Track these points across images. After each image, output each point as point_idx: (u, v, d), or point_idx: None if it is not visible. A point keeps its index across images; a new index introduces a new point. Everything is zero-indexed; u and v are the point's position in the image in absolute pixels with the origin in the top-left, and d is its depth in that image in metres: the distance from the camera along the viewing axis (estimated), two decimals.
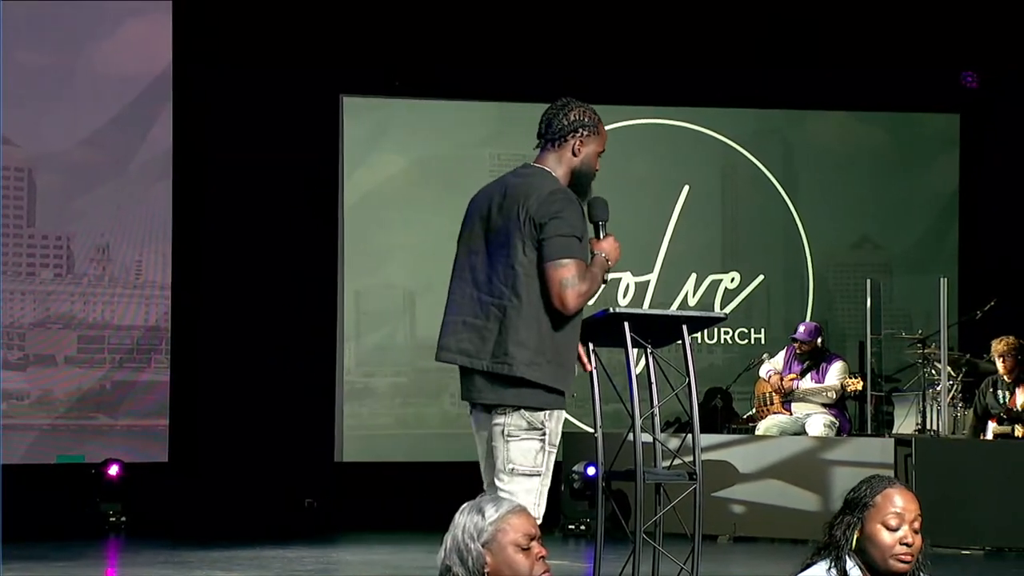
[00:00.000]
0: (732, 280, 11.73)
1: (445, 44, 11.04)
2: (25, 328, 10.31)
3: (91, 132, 10.51)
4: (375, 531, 9.76)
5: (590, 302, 4.47)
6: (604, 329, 5.43)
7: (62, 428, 10.34)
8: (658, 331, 5.51)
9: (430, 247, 11.36)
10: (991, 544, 8.60)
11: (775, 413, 9.85)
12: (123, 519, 9.90)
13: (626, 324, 5.30)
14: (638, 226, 11.65)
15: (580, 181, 4.48)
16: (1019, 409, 9.45)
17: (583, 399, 11.63)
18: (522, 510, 2.93)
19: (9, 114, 9.66)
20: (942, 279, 9.71)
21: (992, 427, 9.53)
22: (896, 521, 3.19)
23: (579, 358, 4.63)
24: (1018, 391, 9.48)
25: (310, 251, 11.04)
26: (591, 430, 5.90)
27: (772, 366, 10.02)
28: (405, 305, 11.45)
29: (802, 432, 9.60)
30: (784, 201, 11.83)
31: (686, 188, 11.68)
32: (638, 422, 5.32)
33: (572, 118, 4.49)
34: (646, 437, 5.41)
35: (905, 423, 10.18)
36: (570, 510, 9.55)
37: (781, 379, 9.84)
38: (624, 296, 11.48)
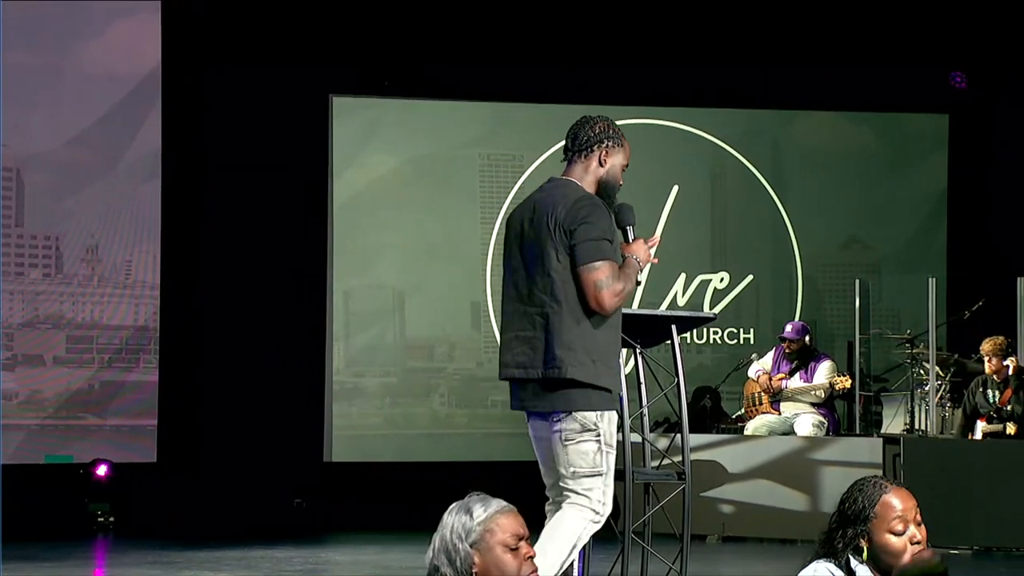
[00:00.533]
0: (721, 280, 11.73)
1: (435, 44, 11.03)
2: (14, 328, 10.28)
3: (80, 132, 10.49)
4: (364, 531, 9.74)
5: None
6: None
7: (51, 428, 10.32)
8: (647, 331, 5.52)
9: (420, 247, 11.37)
10: (980, 544, 8.61)
11: (764, 413, 9.86)
12: (111, 519, 9.88)
13: None
14: None
15: (606, 191, 4.64)
16: (1009, 408, 9.47)
17: None
18: (510, 510, 2.93)
19: None
20: (931, 279, 9.72)
21: (981, 426, 9.55)
22: (902, 526, 3.22)
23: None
24: (1008, 389, 9.51)
25: (299, 251, 11.02)
26: None
27: (761, 366, 10.03)
28: (395, 305, 11.44)
29: (791, 432, 9.61)
30: (773, 201, 11.85)
31: (675, 188, 11.69)
32: (627, 422, 5.32)
33: (597, 131, 4.72)
34: (635, 437, 5.41)
35: (894, 423, 10.20)
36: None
37: (770, 379, 9.85)
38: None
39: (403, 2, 11.04)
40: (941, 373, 9.97)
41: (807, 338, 9.92)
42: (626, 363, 5.54)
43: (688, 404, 5.65)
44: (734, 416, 10.41)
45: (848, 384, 9.66)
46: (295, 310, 10.97)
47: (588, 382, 4.38)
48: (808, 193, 11.91)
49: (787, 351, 9.88)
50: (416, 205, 11.37)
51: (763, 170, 11.89)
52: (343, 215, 11.23)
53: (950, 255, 11.90)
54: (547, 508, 4.65)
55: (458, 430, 11.43)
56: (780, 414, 9.80)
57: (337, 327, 11.18)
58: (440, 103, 11.43)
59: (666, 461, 5.74)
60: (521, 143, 11.56)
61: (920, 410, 9.83)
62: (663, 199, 11.65)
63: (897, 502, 3.22)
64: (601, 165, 4.66)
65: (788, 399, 9.82)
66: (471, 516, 2.90)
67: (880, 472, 8.70)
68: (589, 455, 4.42)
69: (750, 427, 9.81)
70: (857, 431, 9.91)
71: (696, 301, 11.59)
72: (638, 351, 5.55)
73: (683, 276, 11.63)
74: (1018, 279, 9.83)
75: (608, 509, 4.46)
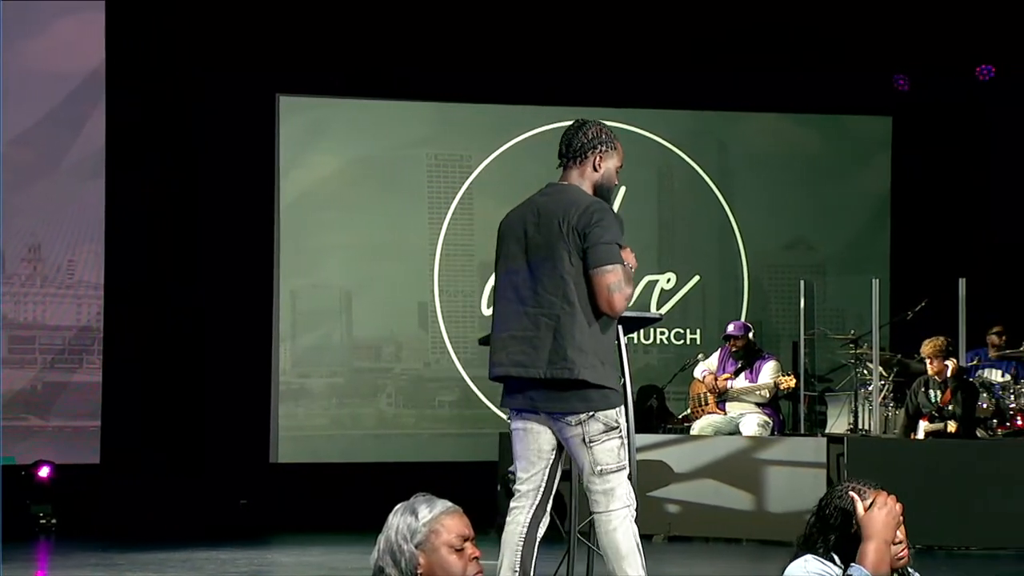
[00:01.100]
0: (668, 281, 11.78)
1: (382, 44, 11.01)
2: None
3: (23, 130, 10.37)
4: (309, 532, 9.71)
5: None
6: None
7: None
8: None
9: (367, 247, 11.34)
10: (921, 543, 8.68)
11: (710, 413, 9.91)
12: (54, 521, 9.79)
13: None
14: None
15: (601, 195, 4.69)
16: (951, 407, 9.57)
17: None
18: (456, 511, 2.92)
19: None
20: (874, 280, 9.81)
21: (924, 426, 9.64)
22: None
23: None
24: (948, 389, 9.60)
25: (246, 251, 10.96)
26: None
27: (707, 366, 10.08)
28: (341, 305, 11.40)
29: (736, 432, 9.66)
30: (719, 202, 11.91)
31: (622, 189, 11.71)
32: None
33: (591, 136, 4.72)
34: None
35: (838, 422, 10.28)
36: (505, 510, 9.52)
37: (715, 379, 9.91)
38: None
39: (350, 2, 11.01)
40: (884, 373, 10.06)
41: (750, 335, 9.98)
42: None
43: (634, 404, 5.66)
44: (680, 416, 10.45)
45: (793, 384, 9.73)
46: (241, 310, 10.91)
47: (599, 383, 4.47)
48: (754, 194, 11.99)
49: (732, 349, 9.93)
50: (363, 205, 11.34)
51: (709, 171, 11.95)
52: (290, 215, 11.18)
53: (893, 256, 12.01)
54: (513, 504, 4.72)
55: (405, 430, 11.41)
56: (726, 414, 9.85)
57: (284, 327, 11.13)
58: (387, 103, 11.40)
59: None
60: (469, 143, 11.56)
61: (864, 410, 9.92)
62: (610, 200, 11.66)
63: (883, 497, 3.28)
64: (596, 170, 4.70)
65: (734, 399, 9.87)
66: (416, 517, 2.89)
67: (824, 472, 8.78)
68: (614, 451, 4.53)
69: (696, 427, 9.85)
70: (802, 431, 9.97)
71: (643, 301, 11.64)
72: None
73: None
74: (959, 280, 9.93)
75: (634, 496, 4.58)
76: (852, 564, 3.18)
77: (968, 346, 10.18)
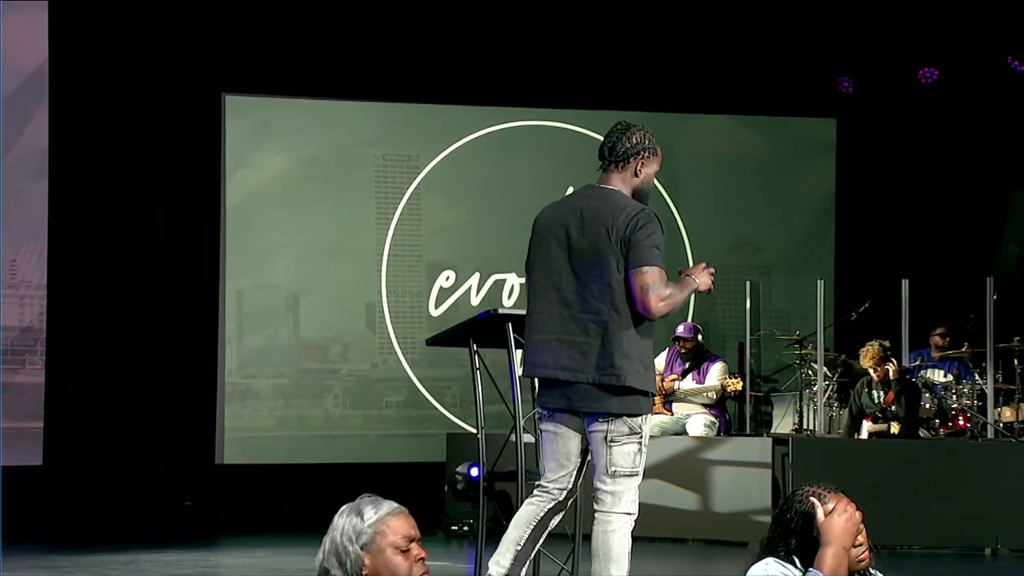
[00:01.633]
0: None
1: (330, 43, 10.97)
2: None
3: None
4: (255, 533, 9.66)
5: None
6: (488, 330, 5.44)
7: None
8: None
9: (314, 247, 11.30)
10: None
11: (656, 413, 9.94)
12: None
13: (509, 325, 5.31)
14: (523, 227, 11.61)
15: (639, 199, 4.74)
16: (893, 408, 9.66)
17: (466, 400, 11.68)
18: (401, 512, 2.91)
19: None
20: (819, 281, 9.89)
21: (867, 426, 9.73)
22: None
23: None
24: (891, 391, 9.70)
25: (191, 251, 10.89)
26: (474, 431, 5.90)
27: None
28: (288, 306, 11.35)
29: (683, 432, 9.70)
30: (666, 203, 11.95)
31: (570, 190, 11.70)
32: (520, 423, 5.33)
33: (634, 141, 4.80)
34: (528, 437, 5.42)
35: (783, 423, 10.36)
36: (453, 511, 9.54)
37: (662, 380, 9.95)
38: (509, 297, 11.52)
39: (297, 1, 10.96)
40: (829, 373, 10.15)
41: (699, 337, 10.03)
42: (520, 364, 5.55)
43: None
44: None
45: (739, 387, 9.79)
46: (187, 311, 10.84)
47: (643, 389, 4.58)
48: (700, 195, 12.04)
49: (682, 351, 9.97)
50: (310, 205, 11.29)
51: (656, 173, 11.97)
52: (236, 215, 11.11)
53: (838, 257, 12.11)
54: (536, 494, 4.74)
55: (352, 431, 11.37)
56: (672, 415, 9.90)
57: (230, 328, 11.06)
58: (335, 103, 11.36)
59: None
60: (417, 143, 11.54)
61: (808, 410, 10.00)
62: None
63: (843, 503, 3.31)
64: (636, 175, 4.77)
65: (680, 400, 9.92)
66: (362, 518, 2.88)
67: (770, 472, 8.84)
68: (631, 456, 4.60)
69: None
70: (747, 431, 10.04)
71: None
72: None
73: None
74: (903, 281, 10.03)
75: (636, 507, 4.64)
76: (810, 569, 3.21)
77: (911, 347, 10.28)
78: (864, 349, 9.66)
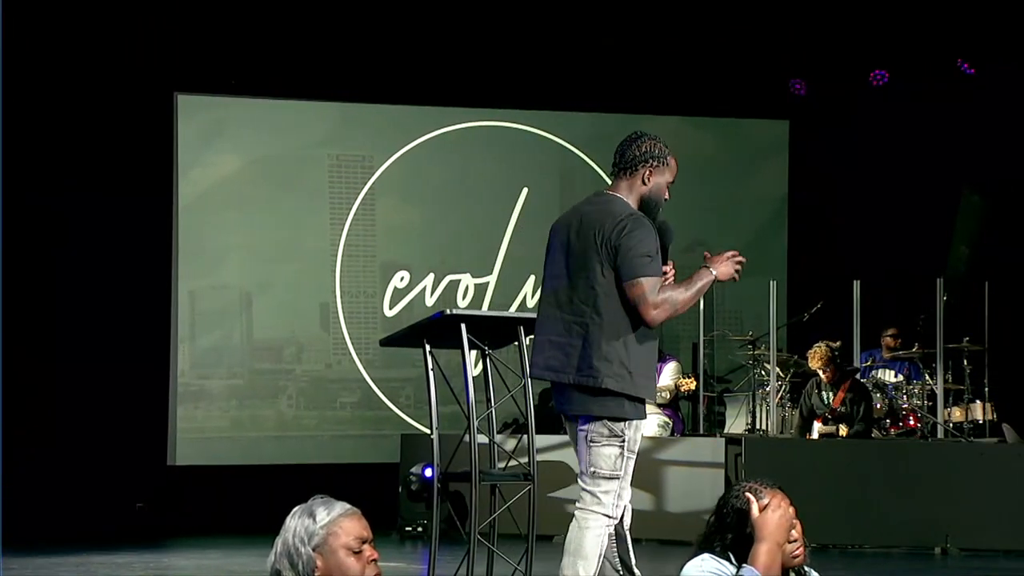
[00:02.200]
0: None
1: (283, 42, 10.92)
2: None
3: None
4: (208, 535, 9.61)
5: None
6: (442, 331, 5.44)
7: None
8: (495, 333, 5.54)
9: (268, 247, 11.25)
10: (816, 542, 8.81)
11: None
12: None
13: (463, 326, 5.31)
14: (478, 228, 11.71)
15: (647, 207, 4.81)
16: (842, 410, 9.73)
17: (421, 401, 11.64)
18: (354, 513, 2.90)
19: None
20: (772, 282, 9.95)
21: (818, 427, 9.80)
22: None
23: None
24: (840, 391, 9.76)
25: (144, 251, 10.81)
26: (428, 432, 5.89)
27: None
28: (241, 306, 11.30)
29: None
30: None
31: (525, 190, 11.76)
32: (474, 423, 5.33)
33: (643, 149, 4.84)
34: (483, 438, 5.43)
35: (736, 423, 10.41)
36: (407, 512, 9.53)
37: None
38: (463, 298, 11.52)
39: (249, 0, 10.91)
40: (781, 374, 10.21)
41: None
42: (475, 365, 5.56)
43: (536, 405, 5.69)
44: None
45: (693, 386, 9.83)
46: (139, 311, 10.76)
47: (623, 392, 4.58)
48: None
49: None
50: (264, 205, 11.25)
51: (611, 173, 12.01)
52: (189, 215, 11.05)
53: (790, 258, 12.18)
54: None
55: (306, 432, 11.33)
56: None
57: (182, 328, 11.00)
58: (288, 102, 11.32)
59: (513, 462, 5.76)
60: (371, 144, 11.52)
61: (761, 410, 10.05)
62: (513, 201, 11.71)
63: (778, 499, 3.31)
64: (645, 183, 4.82)
65: None
66: (314, 519, 2.87)
67: (723, 472, 8.88)
68: (611, 459, 4.62)
69: None
70: (701, 431, 10.08)
71: None
72: (486, 352, 5.57)
73: (532, 278, 11.70)
74: (854, 282, 10.10)
75: (619, 511, 4.69)
76: (744, 565, 3.22)
77: (863, 347, 10.37)
78: (812, 351, 9.73)
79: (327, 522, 2.86)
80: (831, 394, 9.77)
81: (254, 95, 11.19)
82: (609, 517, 4.65)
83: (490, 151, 11.75)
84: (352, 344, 11.33)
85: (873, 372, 10.60)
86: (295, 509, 2.93)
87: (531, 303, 11.63)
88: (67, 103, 10.53)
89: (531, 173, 11.82)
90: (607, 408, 4.60)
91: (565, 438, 9.57)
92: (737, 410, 10.51)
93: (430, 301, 11.47)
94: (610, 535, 4.72)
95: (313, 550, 2.84)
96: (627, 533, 4.83)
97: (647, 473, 9.16)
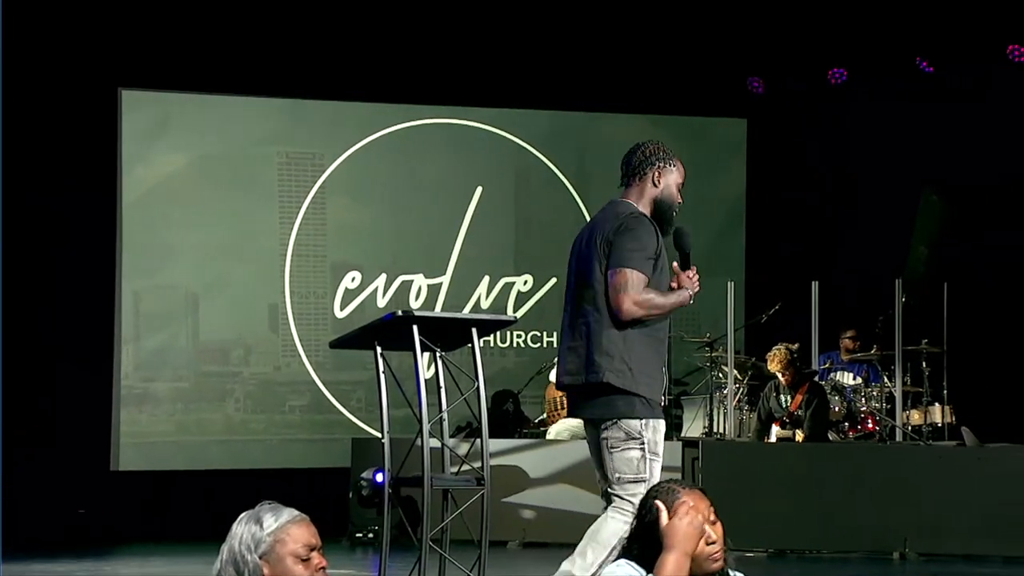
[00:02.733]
0: (525, 283, 11.85)
1: (230, 36, 10.86)
2: None
3: None
4: (151, 542, 9.55)
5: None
6: (394, 332, 5.42)
7: None
8: (448, 334, 5.53)
9: (215, 247, 11.19)
10: (774, 546, 8.87)
11: (566, 417, 9.97)
12: None
13: (415, 327, 5.30)
14: (431, 228, 11.69)
15: (661, 209, 4.88)
16: (799, 413, 9.78)
17: (372, 404, 11.59)
18: (302, 519, 2.89)
19: None
20: (729, 283, 9.99)
21: (776, 431, 9.85)
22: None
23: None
24: (798, 395, 9.81)
25: (86, 249, 10.73)
26: (379, 436, 5.88)
27: None
28: (188, 307, 11.23)
29: None
30: (576, 203, 12.01)
31: (479, 189, 11.76)
32: (426, 427, 5.32)
33: (648, 152, 4.95)
34: (434, 442, 5.41)
35: (693, 426, 10.44)
36: (358, 518, 9.50)
37: None
38: (416, 299, 11.50)
39: None
40: (739, 376, 10.25)
41: None
42: (427, 367, 5.54)
43: (489, 409, 5.69)
44: (536, 420, 10.51)
45: None
46: (82, 311, 10.68)
47: (625, 389, 4.62)
48: (610, 195, 12.01)
49: None
50: (211, 203, 11.19)
51: (567, 172, 12.05)
52: (133, 213, 10.98)
53: (748, 259, 12.24)
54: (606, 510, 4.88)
55: (254, 436, 11.28)
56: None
57: (126, 329, 10.92)
58: (235, 98, 11.26)
59: (466, 467, 5.75)
60: (321, 141, 11.48)
61: (719, 413, 10.09)
62: (467, 201, 11.71)
63: (689, 502, 3.28)
64: (655, 185, 4.90)
65: None
66: (261, 526, 2.85)
67: (680, 475, 8.90)
68: (633, 462, 4.68)
69: (552, 431, 9.92)
70: None
71: (500, 304, 11.68)
72: (438, 354, 5.56)
73: (487, 279, 11.71)
74: (813, 283, 10.16)
75: None
76: (650, 574, 3.20)
77: (821, 349, 10.43)
78: (771, 353, 9.78)
79: (274, 529, 2.85)
80: (789, 397, 9.82)
81: (201, 91, 11.12)
82: None
83: (443, 149, 11.74)
84: (302, 346, 11.29)
85: (831, 374, 10.66)
86: (242, 515, 2.91)
87: (485, 304, 11.63)
88: (7, 97, 10.42)
89: (485, 172, 11.82)
90: (615, 408, 4.65)
91: (520, 442, 9.67)
92: (694, 413, 10.55)
93: (382, 302, 11.45)
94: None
95: (260, 558, 2.82)
96: None
97: None
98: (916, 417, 10.25)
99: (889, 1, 11.45)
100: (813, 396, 9.78)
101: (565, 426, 9.90)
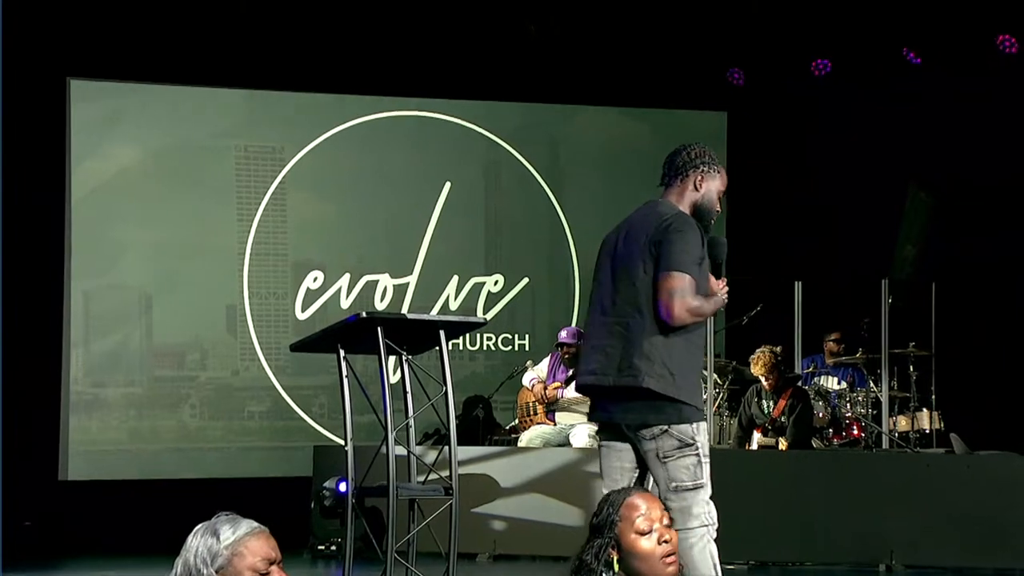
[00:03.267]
0: (496, 283, 11.86)
1: (185, 24, 10.83)
2: None
3: None
4: (102, 555, 9.52)
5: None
6: (358, 335, 5.41)
7: None
8: (414, 337, 5.53)
9: (170, 245, 11.16)
10: (755, 558, 8.89)
11: (539, 423, 9.98)
12: None
13: (380, 329, 5.29)
14: (397, 225, 11.69)
15: (700, 215, 4.90)
16: (782, 420, 9.80)
17: (335, 410, 11.59)
18: (261, 531, 2.88)
19: None
20: None
21: (757, 438, 9.87)
22: (647, 523, 3.32)
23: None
24: (781, 400, 9.84)
25: (33, 247, 10.67)
26: (343, 443, 5.87)
27: (536, 374, 10.15)
28: (141, 308, 11.19)
29: (566, 443, 9.75)
30: (550, 200, 12.03)
31: (447, 185, 11.75)
32: (391, 434, 5.31)
33: (693, 155, 4.94)
34: (400, 450, 5.41)
35: None
36: (320, 529, 9.48)
37: (545, 388, 9.99)
38: (382, 300, 11.49)
39: None
40: (719, 381, 10.27)
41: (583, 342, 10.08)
42: (393, 371, 5.54)
43: (459, 415, 5.68)
44: (507, 427, 10.51)
45: None
46: (27, 312, 10.61)
47: (668, 395, 4.63)
48: (585, 191, 12.13)
49: (565, 357, 10.02)
50: (165, 199, 11.15)
51: (539, 167, 12.06)
52: (83, 209, 10.93)
53: (728, 258, 12.23)
54: None
55: (211, 444, 11.25)
56: (555, 424, 9.94)
57: (75, 332, 10.88)
58: (191, 89, 11.22)
59: (433, 475, 5.74)
60: (281, 134, 11.46)
61: None
62: (435, 197, 11.71)
63: (640, 502, 3.35)
64: (696, 189, 4.91)
65: (564, 409, 9.96)
66: (217, 538, 2.84)
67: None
68: (690, 469, 4.69)
69: (524, 438, 9.92)
70: None
71: (470, 305, 11.68)
72: (405, 358, 5.55)
73: (456, 279, 11.71)
74: (796, 283, 10.19)
75: (715, 515, 4.74)
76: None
77: (804, 352, 10.46)
78: (754, 356, 9.80)
79: (232, 541, 2.84)
80: (771, 403, 9.84)
81: (155, 81, 11.08)
82: (707, 527, 4.72)
83: (410, 142, 11.73)
84: (261, 349, 11.27)
85: (815, 379, 10.69)
86: (197, 527, 2.90)
87: (454, 305, 11.63)
88: None
89: (454, 167, 11.82)
90: (665, 415, 4.66)
91: (490, 450, 9.65)
92: None
93: (346, 303, 11.44)
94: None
95: (216, 572, 2.81)
96: None
97: (578, 486, 9.18)
98: (903, 423, 10.29)
99: None
100: (796, 402, 9.81)
101: (537, 433, 9.90)
